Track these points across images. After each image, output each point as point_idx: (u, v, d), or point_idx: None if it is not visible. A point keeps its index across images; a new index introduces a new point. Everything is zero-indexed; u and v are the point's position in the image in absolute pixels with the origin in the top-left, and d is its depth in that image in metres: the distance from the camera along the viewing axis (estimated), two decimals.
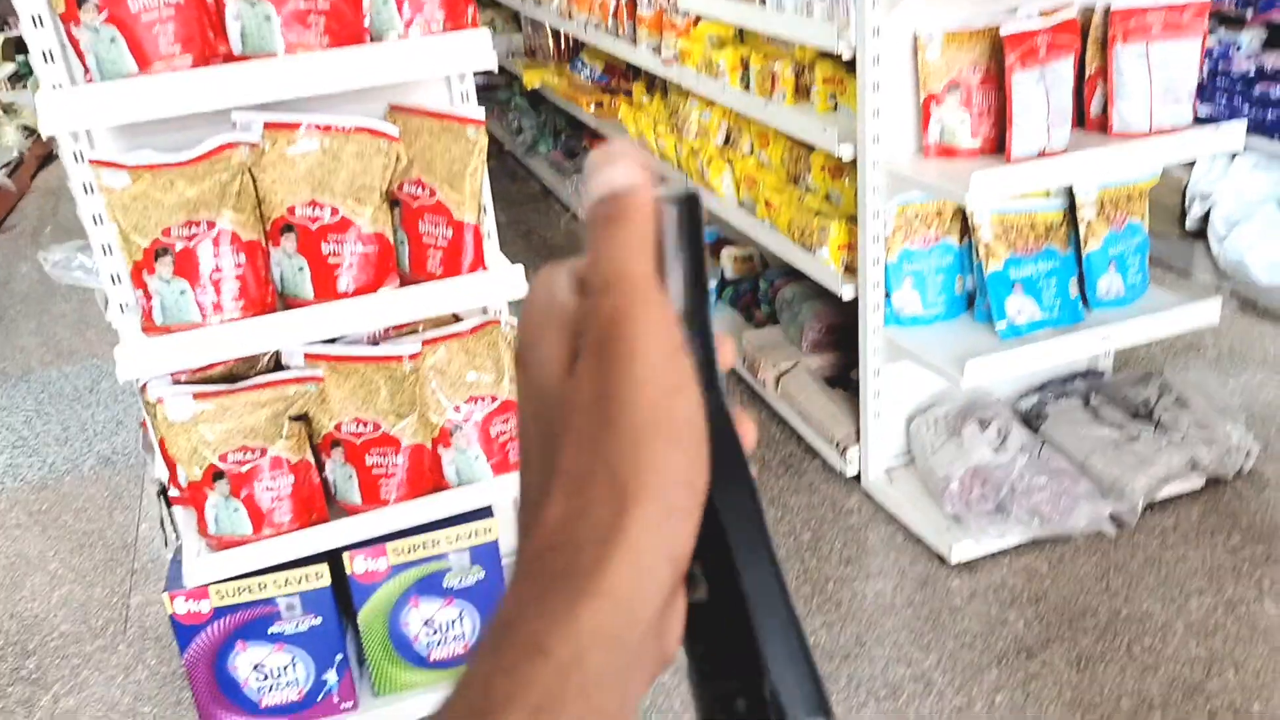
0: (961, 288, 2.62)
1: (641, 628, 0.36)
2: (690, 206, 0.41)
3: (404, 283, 1.97)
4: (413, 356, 1.95)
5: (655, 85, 4.24)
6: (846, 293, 2.68)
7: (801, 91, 2.95)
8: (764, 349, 3.24)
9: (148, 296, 1.86)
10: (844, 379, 3.05)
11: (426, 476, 2.05)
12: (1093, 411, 2.72)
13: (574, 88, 4.84)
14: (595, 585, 0.35)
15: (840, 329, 3.09)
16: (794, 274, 3.28)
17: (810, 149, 2.91)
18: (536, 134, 5.84)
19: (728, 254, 3.81)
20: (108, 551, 2.92)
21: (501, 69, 6.14)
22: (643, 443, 0.37)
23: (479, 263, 1.94)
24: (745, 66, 3.12)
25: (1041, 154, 2.34)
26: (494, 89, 6.72)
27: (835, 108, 2.85)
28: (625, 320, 0.37)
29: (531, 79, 5.12)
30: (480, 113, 1.89)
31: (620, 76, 4.78)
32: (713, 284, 3.79)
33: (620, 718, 0.36)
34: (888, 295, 2.60)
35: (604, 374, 0.37)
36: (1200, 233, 3.64)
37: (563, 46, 5.31)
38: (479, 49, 1.83)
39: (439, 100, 2.05)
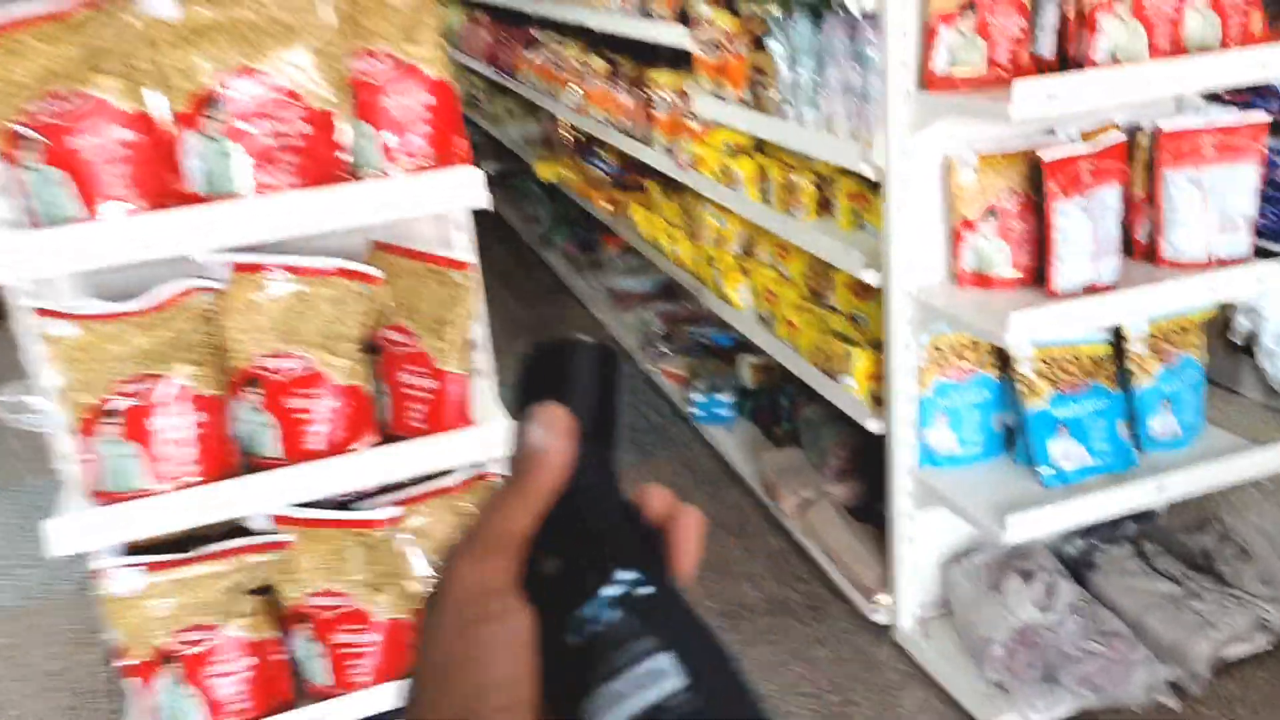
0: (1000, 425, 2.40)
1: None
2: (600, 357, 0.51)
3: (385, 437, 1.77)
4: (391, 521, 1.74)
5: (671, 184, 4.08)
6: (874, 427, 2.47)
7: (824, 206, 2.76)
8: (784, 473, 3.02)
9: (93, 459, 1.67)
10: (871, 511, 2.82)
11: (406, 656, 1.83)
12: (1146, 561, 2.48)
13: (588, 182, 4.69)
14: None
15: (866, 456, 2.87)
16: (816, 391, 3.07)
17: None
18: (551, 224, 5.69)
19: (744, 361, 3.61)
20: (74, 698, 2.71)
21: (516, 155, 6.03)
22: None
23: (463, 418, 1.74)
24: (764, 176, 2.94)
25: (1089, 289, 2.13)
26: (511, 175, 6.61)
27: (860, 225, 2.66)
28: (442, 584, 0.45)
29: (545, 172, 4.98)
30: (470, 254, 1.71)
31: (636, 171, 4.63)
32: (727, 399, 3.58)
33: None
34: (920, 434, 2.38)
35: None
36: (1247, 349, 3.41)
37: (579, 138, 5.18)
38: (468, 188, 1.65)
39: (428, 235, 1.87)
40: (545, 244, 5.67)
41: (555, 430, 0.47)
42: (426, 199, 1.63)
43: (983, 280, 2.23)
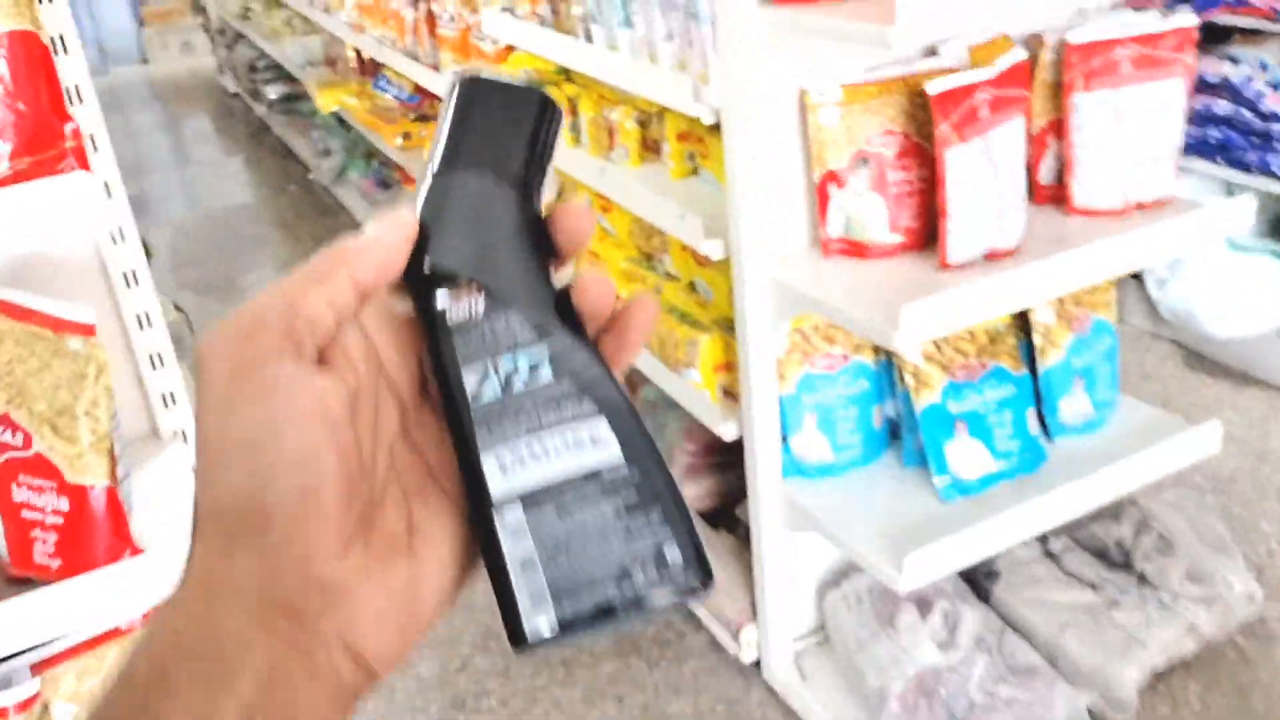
0: (881, 419, 1.93)
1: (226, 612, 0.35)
2: (539, 107, 0.44)
3: (5, 580, 1.17)
4: (22, 706, 1.15)
5: None
6: (727, 432, 1.97)
7: (650, 148, 2.21)
8: None
9: None
10: (732, 518, 2.34)
11: None
12: (1055, 562, 2.08)
13: (378, 111, 4.01)
14: (166, 603, 0.36)
15: (723, 449, 2.38)
16: None
17: None
18: (345, 158, 4.97)
19: None
20: None
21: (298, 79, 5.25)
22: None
23: (120, 546, 1.15)
24: (573, 112, 2.36)
25: (990, 255, 1.65)
26: (297, 99, 5.81)
27: (695, 172, 2.12)
28: (199, 363, 0.38)
29: (326, 100, 4.26)
30: (91, 314, 1.10)
31: (435, 99, 3.96)
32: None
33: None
34: (784, 439, 1.90)
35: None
36: (1135, 274, 3.05)
37: (365, 59, 4.46)
38: (82, 208, 1.04)
39: (62, 275, 1.26)
40: (340, 180, 4.95)
41: (381, 222, 0.41)
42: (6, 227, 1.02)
43: (855, 248, 1.73)
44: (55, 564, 1.15)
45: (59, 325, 1.08)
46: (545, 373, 0.41)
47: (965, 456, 1.80)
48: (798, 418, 1.88)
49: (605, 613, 0.38)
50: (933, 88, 1.56)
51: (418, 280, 0.42)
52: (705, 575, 0.39)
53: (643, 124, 2.20)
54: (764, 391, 1.85)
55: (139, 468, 1.45)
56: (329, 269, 0.39)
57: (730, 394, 2.00)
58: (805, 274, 1.73)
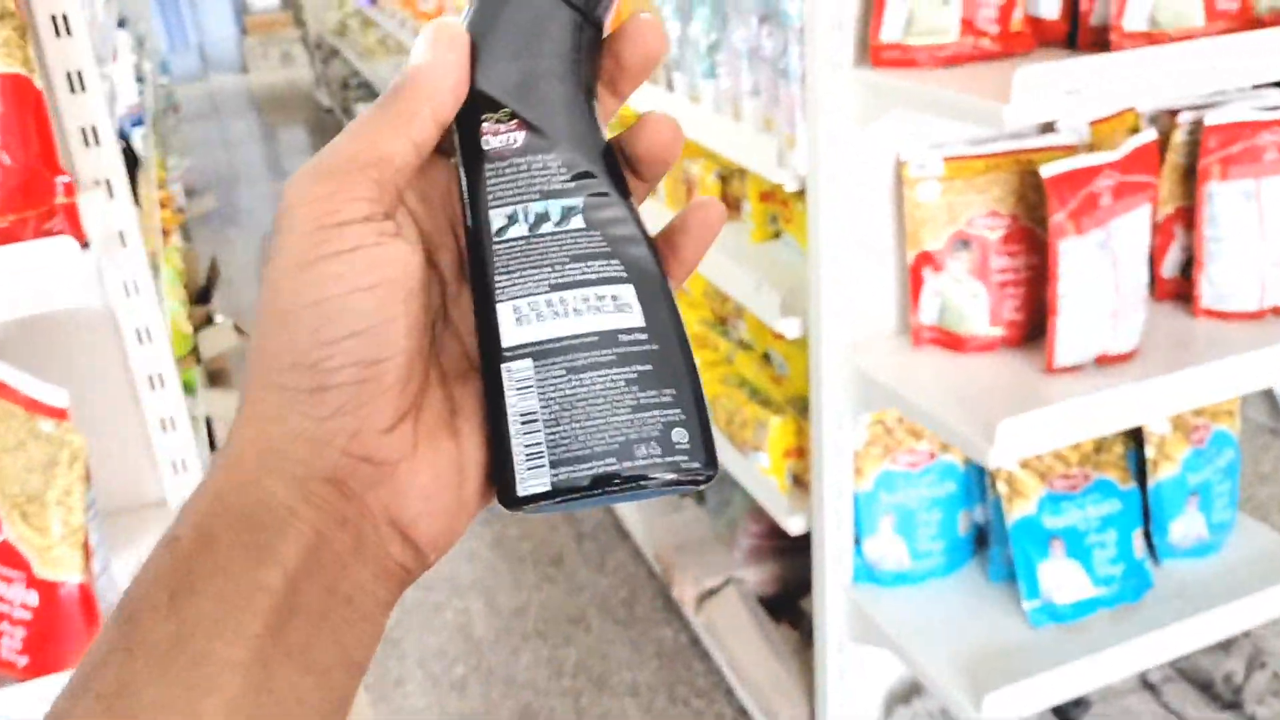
0: (968, 525, 1.74)
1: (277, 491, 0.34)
2: None
3: None
4: None
5: None
6: (794, 525, 1.80)
7: (731, 205, 2.05)
8: (683, 549, 2.34)
9: None
10: (795, 609, 2.16)
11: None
12: (1154, 695, 1.86)
13: None
14: (214, 466, 0.35)
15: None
16: None
17: None
18: None
19: None
20: None
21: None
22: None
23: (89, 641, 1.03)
24: None
25: (1103, 359, 1.46)
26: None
27: (777, 235, 1.96)
28: (281, 213, 0.36)
29: None
30: (64, 397, 0.97)
31: None
32: None
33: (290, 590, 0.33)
34: (857, 540, 1.72)
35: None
36: None
37: None
38: (63, 279, 0.92)
39: (48, 329, 1.14)
40: None
41: (441, 39, 0.37)
42: None
43: (950, 339, 1.55)
44: (22, 661, 1.02)
45: (31, 405, 0.96)
46: (577, 224, 0.39)
47: (1060, 579, 1.60)
48: (874, 518, 1.70)
49: (602, 482, 0.37)
50: (1048, 170, 1.38)
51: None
52: (710, 465, 0.38)
53: (724, 179, 2.05)
54: (837, 487, 1.67)
55: (142, 538, 1.33)
56: (413, 106, 0.37)
57: (800, 482, 1.83)
58: (891, 364, 1.55)
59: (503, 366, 0.37)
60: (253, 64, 8.75)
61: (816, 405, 1.64)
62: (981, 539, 1.76)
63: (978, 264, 1.51)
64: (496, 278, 0.38)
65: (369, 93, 5.92)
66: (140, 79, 3.80)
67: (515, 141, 0.39)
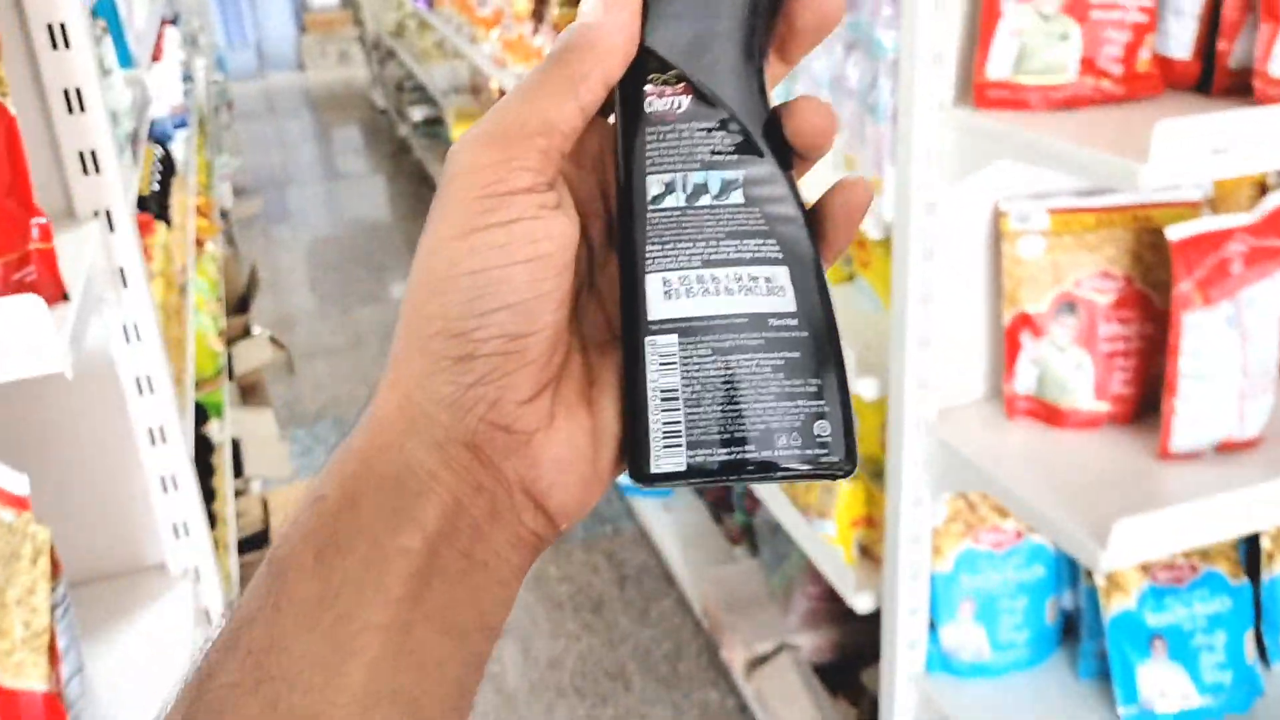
0: (1056, 613, 1.56)
1: (417, 452, 0.35)
2: None
3: None
4: None
5: None
6: (862, 604, 1.63)
7: None
8: (734, 605, 2.18)
9: None
10: (854, 680, 1.99)
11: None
12: None
13: None
14: (360, 427, 0.36)
15: None
16: None
17: None
18: None
19: None
20: None
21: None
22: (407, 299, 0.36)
23: None
24: None
25: (1225, 446, 1.28)
26: (439, 123, 5.67)
27: (850, 278, 1.79)
28: (447, 177, 0.36)
29: (461, 131, 4.04)
30: (24, 485, 0.84)
31: None
32: None
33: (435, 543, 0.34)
34: (933, 625, 1.54)
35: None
36: None
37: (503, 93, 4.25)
38: (27, 351, 0.78)
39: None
40: None
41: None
42: None
43: (1048, 412, 1.38)
44: None
45: None
46: (736, 199, 0.37)
47: (1162, 684, 1.42)
48: (952, 602, 1.53)
49: (738, 467, 0.36)
50: (1176, 233, 1.20)
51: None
52: (850, 462, 0.36)
53: None
54: (913, 567, 1.50)
55: (141, 609, 1.19)
56: (583, 69, 0.36)
57: (869, 554, 1.66)
58: (980, 439, 1.38)
59: (646, 340, 0.36)
60: (310, 62, 8.71)
61: (895, 480, 1.47)
62: (1070, 629, 1.58)
63: (1084, 330, 1.34)
64: (648, 247, 0.37)
65: (423, 95, 5.82)
66: (188, 77, 3.71)
67: (680, 106, 0.37)
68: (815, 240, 0.37)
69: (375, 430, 0.35)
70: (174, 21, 4.10)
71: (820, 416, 0.36)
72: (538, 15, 3.12)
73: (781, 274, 0.37)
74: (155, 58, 3.15)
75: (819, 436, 0.36)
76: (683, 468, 0.36)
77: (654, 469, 0.36)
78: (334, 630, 0.31)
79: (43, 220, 0.82)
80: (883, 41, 1.30)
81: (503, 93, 3.16)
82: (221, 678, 0.31)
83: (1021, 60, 1.20)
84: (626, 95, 0.37)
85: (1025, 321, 1.36)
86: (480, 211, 0.35)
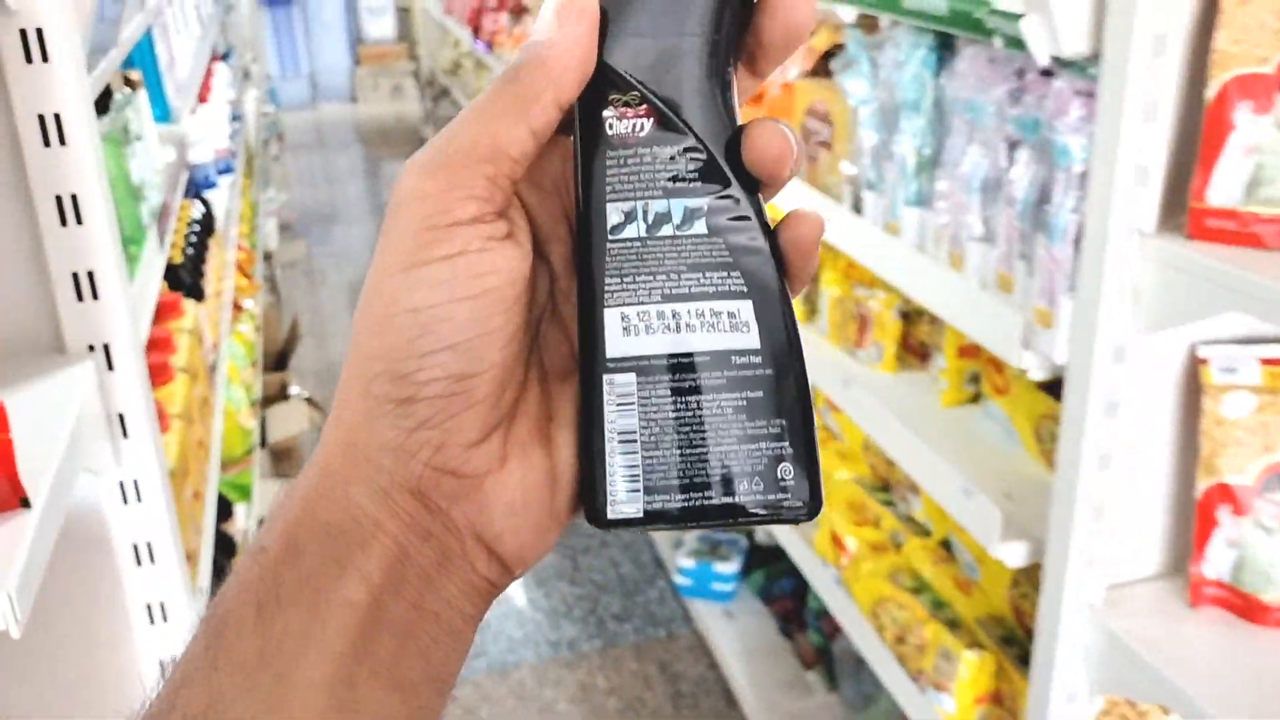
0: None
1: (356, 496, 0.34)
2: None
3: None
4: None
5: None
6: None
7: (914, 352, 1.65)
8: None
9: None
10: None
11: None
12: None
13: None
14: (304, 471, 0.35)
15: None
16: None
17: None
18: None
19: None
20: None
21: None
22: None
23: None
24: (814, 281, 1.83)
25: None
26: None
27: (976, 400, 1.54)
28: (393, 201, 0.35)
29: None
30: None
31: None
32: (730, 569, 2.48)
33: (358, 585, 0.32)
34: None
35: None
36: None
37: None
38: None
39: None
40: None
41: (569, 10, 0.34)
42: None
43: (1244, 605, 1.12)
44: None
45: None
46: (699, 228, 0.35)
47: None
48: None
49: (697, 514, 0.35)
50: None
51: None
52: (814, 505, 0.35)
53: (906, 317, 1.65)
54: None
55: None
56: (534, 89, 0.34)
57: None
58: (1157, 631, 1.12)
59: (604, 378, 0.35)
60: (363, 94, 8.58)
61: (1044, 670, 1.21)
62: None
63: None
64: (607, 280, 0.35)
65: None
66: (236, 116, 3.54)
67: (642, 129, 0.35)
68: (782, 271, 0.36)
69: (319, 475, 0.34)
70: (225, 57, 3.94)
71: (783, 459, 0.35)
72: None
73: (746, 309, 0.35)
74: (202, 98, 2.97)
75: (782, 480, 0.35)
76: (640, 514, 0.35)
77: (610, 514, 0.35)
78: (273, 690, 0.30)
79: None
80: (1069, 147, 1.06)
81: None
82: None
83: (1256, 185, 0.96)
84: (586, 116, 0.36)
85: (1224, 494, 1.11)
86: (422, 245, 0.33)
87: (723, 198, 0.35)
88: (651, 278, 0.35)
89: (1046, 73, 1.14)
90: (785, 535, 1.94)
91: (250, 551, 0.33)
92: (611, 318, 0.35)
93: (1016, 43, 1.08)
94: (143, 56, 1.83)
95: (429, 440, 0.33)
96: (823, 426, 1.98)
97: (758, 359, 0.35)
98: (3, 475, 0.60)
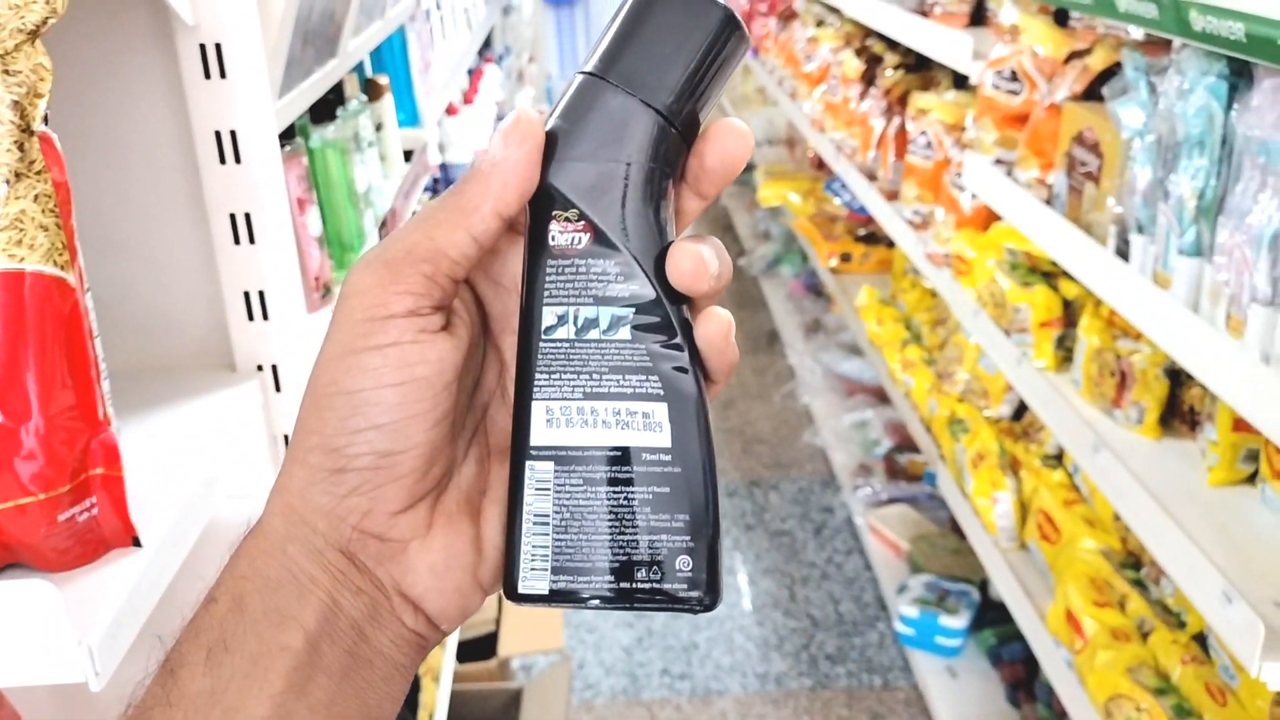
0: None
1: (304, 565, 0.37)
2: (722, 27, 0.39)
3: None
4: None
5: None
6: None
7: (1182, 418, 1.46)
8: None
9: None
10: None
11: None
12: None
13: (821, 219, 3.44)
14: (250, 531, 0.38)
15: None
16: None
17: None
18: (781, 249, 4.47)
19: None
20: None
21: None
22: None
23: None
24: (1066, 328, 1.65)
25: None
26: (749, 170, 5.41)
27: (1252, 480, 1.34)
28: (340, 296, 0.38)
29: (769, 193, 3.75)
30: None
31: None
32: (958, 624, 2.29)
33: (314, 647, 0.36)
34: None
35: None
36: None
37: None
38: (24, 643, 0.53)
39: None
40: (769, 274, 4.45)
41: (515, 135, 0.38)
42: None
43: None
44: None
45: None
46: (623, 335, 0.39)
47: None
48: None
49: (597, 595, 0.38)
50: None
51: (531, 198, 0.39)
52: (712, 597, 0.38)
53: (1175, 376, 1.45)
54: None
55: None
56: (475, 201, 0.38)
57: None
58: None
59: (527, 464, 0.38)
60: None
61: None
62: None
63: None
64: (537, 375, 0.39)
65: None
66: (503, 117, 3.63)
67: (579, 242, 0.39)
68: (701, 375, 0.38)
69: (262, 535, 0.38)
70: (500, 59, 4.05)
71: (684, 552, 0.37)
72: (867, 79, 2.77)
73: (660, 410, 0.38)
74: (468, 99, 3.05)
75: (680, 571, 0.37)
76: (545, 591, 0.38)
77: (521, 589, 0.38)
78: None
79: (107, 437, 0.57)
80: None
81: (817, 158, 2.80)
82: None
83: None
84: (535, 226, 0.39)
85: None
86: (360, 334, 0.37)
87: (647, 307, 0.38)
88: (575, 376, 0.38)
89: None
90: (1015, 602, 1.76)
91: (202, 603, 0.37)
92: (538, 409, 0.38)
93: None
94: (393, 61, 1.86)
95: (357, 506, 0.37)
96: (1070, 487, 1.79)
97: (668, 457, 0.38)
98: (114, 513, 0.57)
